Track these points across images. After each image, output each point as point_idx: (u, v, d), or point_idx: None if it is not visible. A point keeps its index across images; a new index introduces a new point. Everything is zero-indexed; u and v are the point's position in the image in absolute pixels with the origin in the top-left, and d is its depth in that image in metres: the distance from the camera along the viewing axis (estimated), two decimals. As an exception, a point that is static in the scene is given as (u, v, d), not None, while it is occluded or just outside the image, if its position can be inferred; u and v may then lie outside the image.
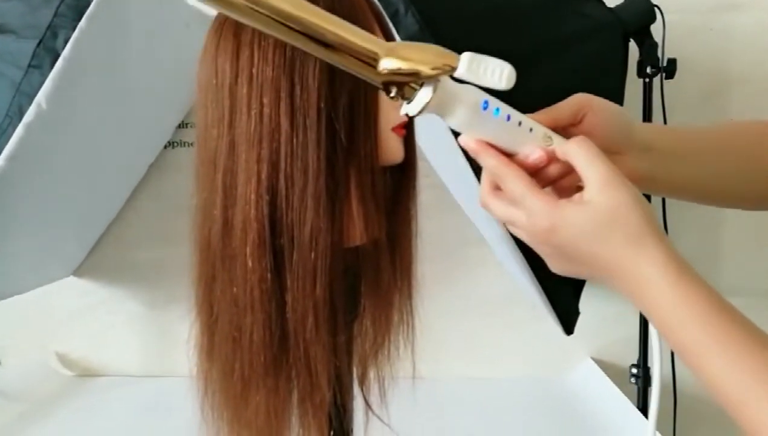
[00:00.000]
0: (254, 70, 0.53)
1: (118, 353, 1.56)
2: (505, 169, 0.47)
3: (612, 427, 1.18)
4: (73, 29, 0.92)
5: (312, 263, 0.54)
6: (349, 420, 0.67)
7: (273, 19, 0.42)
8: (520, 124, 0.47)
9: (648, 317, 0.45)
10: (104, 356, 1.56)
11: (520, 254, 0.97)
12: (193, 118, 0.79)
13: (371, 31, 0.57)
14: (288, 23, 0.42)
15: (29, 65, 0.92)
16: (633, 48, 1.14)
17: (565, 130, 0.52)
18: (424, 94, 0.44)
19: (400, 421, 0.71)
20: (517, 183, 0.46)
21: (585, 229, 0.44)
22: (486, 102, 0.45)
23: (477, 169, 0.91)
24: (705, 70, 1.39)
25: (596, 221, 0.44)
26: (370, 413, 0.69)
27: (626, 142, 0.54)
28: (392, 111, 0.59)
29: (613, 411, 1.22)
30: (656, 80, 1.17)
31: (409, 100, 0.44)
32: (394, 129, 0.59)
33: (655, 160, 0.56)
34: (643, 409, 1.24)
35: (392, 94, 0.44)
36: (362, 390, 0.69)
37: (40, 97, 0.93)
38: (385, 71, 0.43)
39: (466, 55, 0.43)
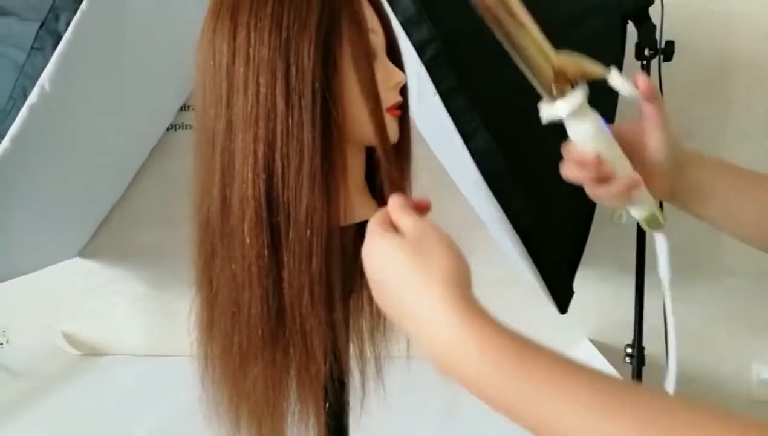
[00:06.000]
0: (251, 51, 0.54)
1: (123, 332, 1.59)
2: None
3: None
4: (75, 11, 0.93)
5: (308, 241, 0.56)
6: (346, 394, 0.69)
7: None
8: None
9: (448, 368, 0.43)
10: (109, 335, 1.59)
11: (516, 235, 0.98)
12: (194, 100, 0.80)
13: (360, 11, 0.58)
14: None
15: (32, 47, 0.93)
16: (631, 30, 1.14)
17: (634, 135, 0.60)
18: (578, 95, 0.54)
19: (396, 399, 0.73)
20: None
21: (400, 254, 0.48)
22: (605, 119, 0.56)
23: (474, 152, 0.92)
24: (704, 53, 1.39)
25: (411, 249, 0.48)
26: (366, 388, 0.71)
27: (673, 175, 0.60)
28: (387, 92, 0.60)
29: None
30: (654, 63, 1.17)
31: (562, 95, 0.54)
32: (388, 110, 0.60)
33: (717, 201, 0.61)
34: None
35: (553, 92, 0.54)
36: (359, 365, 0.71)
37: (44, 78, 0.94)
38: (558, 63, 0.53)
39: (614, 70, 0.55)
